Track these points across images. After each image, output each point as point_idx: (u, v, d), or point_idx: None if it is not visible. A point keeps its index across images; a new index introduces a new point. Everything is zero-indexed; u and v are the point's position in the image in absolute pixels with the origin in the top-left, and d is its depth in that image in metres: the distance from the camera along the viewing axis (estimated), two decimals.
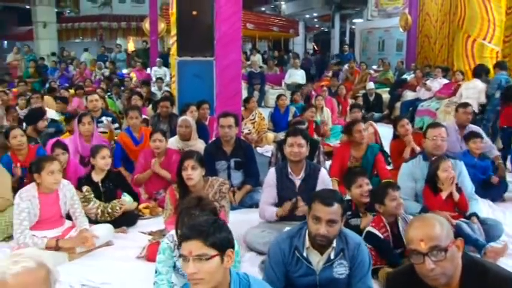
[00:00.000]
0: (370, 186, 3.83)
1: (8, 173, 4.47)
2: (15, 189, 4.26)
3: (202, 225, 2.02)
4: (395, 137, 5.57)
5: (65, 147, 4.67)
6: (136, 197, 4.69)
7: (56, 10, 21.40)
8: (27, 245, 3.61)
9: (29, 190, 3.77)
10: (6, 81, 11.02)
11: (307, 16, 27.22)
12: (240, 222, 4.13)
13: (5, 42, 25.17)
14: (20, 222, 3.66)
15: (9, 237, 4.03)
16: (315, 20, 28.71)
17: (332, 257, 2.70)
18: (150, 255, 3.64)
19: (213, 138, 6.15)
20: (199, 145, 5.38)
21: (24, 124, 6.13)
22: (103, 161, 4.45)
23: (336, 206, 2.61)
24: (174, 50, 8.47)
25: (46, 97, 8.53)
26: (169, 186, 4.65)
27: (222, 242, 2.00)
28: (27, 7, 21.67)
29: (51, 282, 1.77)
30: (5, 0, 23.92)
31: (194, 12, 7.96)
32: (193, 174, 3.63)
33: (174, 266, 2.82)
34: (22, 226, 3.66)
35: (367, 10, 19.56)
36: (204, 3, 7.96)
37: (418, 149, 5.04)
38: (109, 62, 15.76)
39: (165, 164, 4.96)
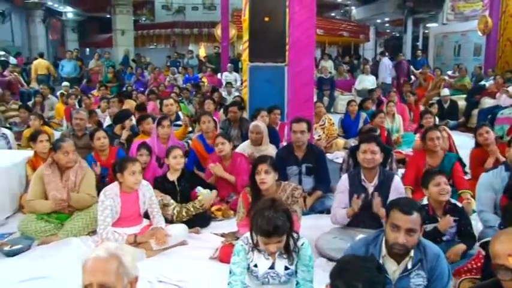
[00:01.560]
0: (449, 187, 3.71)
1: (93, 172, 4.65)
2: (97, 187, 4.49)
3: (375, 281, 2.02)
4: (477, 145, 5.30)
5: (149, 149, 4.84)
6: (215, 189, 4.81)
7: (133, 18, 22.16)
8: (109, 240, 3.75)
9: (112, 188, 3.93)
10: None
11: (378, 21, 26.71)
12: (312, 227, 4.11)
13: (87, 49, 26.34)
14: (104, 218, 3.84)
15: (93, 232, 4.20)
16: (386, 24, 28.12)
17: (409, 266, 2.62)
18: (222, 257, 3.70)
19: (284, 143, 6.16)
20: (270, 150, 5.39)
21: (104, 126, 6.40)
22: (175, 160, 4.58)
23: (415, 215, 2.53)
24: (245, 55, 8.54)
25: (129, 100, 8.86)
26: (238, 189, 4.73)
27: None
28: (108, 16, 22.64)
29: (123, 274, 1.88)
30: (89, 10, 25.11)
31: (266, 19, 8.01)
32: (267, 178, 3.64)
33: (248, 268, 2.82)
34: (105, 222, 3.83)
35: (442, 14, 18.93)
36: (276, 9, 8.00)
37: (502, 159, 4.77)
38: (181, 68, 16.08)
39: (230, 167, 5.00)
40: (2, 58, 15.43)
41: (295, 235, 2.80)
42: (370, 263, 2.12)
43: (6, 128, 7.10)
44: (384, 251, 2.67)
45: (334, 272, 2.08)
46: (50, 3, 22.60)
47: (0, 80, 11.87)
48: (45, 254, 3.91)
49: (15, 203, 4.92)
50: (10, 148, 6.40)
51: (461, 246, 3.51)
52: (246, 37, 8.53)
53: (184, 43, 23.74)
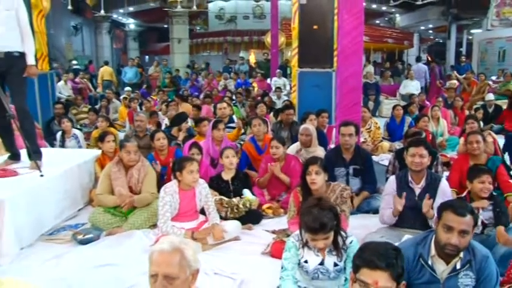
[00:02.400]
0: (491, 186, 3.69)
1: (154, 170, 4.76)
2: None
3: (390, 256, 2.04)
4: None
5: (200, 149, 4.92)
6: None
7: (189, 28, 22.54)
8: (168, 234, 3.84)
9: (172, 186, 4.01)
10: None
11: (422, 28, 26.20)
12: (359, 226, 4.07)
13: (146, 57, 26.98)
14: (163, 213, 3.91)
15: (154, 226, 4.31)
16: (430, 31, 27.56)
17: (458, 267, 2.55)
18: (274, 252, 3.71)
19: (332, 146, 6.12)
20: (319, 152, 5.36)
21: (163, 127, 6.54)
22: (227, 159, 4.64)
23: (468, 217, 2.48)
24: (294, 61, 8.54)
25: (184, 104, 9.02)
26: (290, 189, 4.73)
27: (402, 274, 2.04)
28: (166, 26, 23.15)
29: (185, 266, 1.91)
30: (148, 21, 25.75)
31: (315, 27, 8.01)
32: (317, 178, 3.63)
33: (299, 263, 2.82)
34: (165, 217, 3.91)
35: (486, 20, 18.33)
36: (324, 18, 7.99)
37: None
38: (233, 73, 16.21)
39: (284, 169, 4.97)
40: (74, 66, 16.05)
41: (343, 233, 2.79)
42: (388, 245, 2.16)
43: (77, 129, 7.37)
44: (432, 251, 2.62)
45: (356, 253, 2.16)
46: (115, 16, 23.39)
47: (74, 86, 12.36)
48: (112, 243, 4.05)
49: (85, 197, 5.11)
50: (80, 147, 6.65)
51: (499, 228, 3.45)
52: (295, 44, 8.54)
53: (236, 50, 23.96)
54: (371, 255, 2.04)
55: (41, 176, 4.35)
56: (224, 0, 23.73)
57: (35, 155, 4.54)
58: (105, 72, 15.24)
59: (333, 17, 8.00)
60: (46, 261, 3.72)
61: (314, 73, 7.98)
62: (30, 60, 4.53)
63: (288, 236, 3.61)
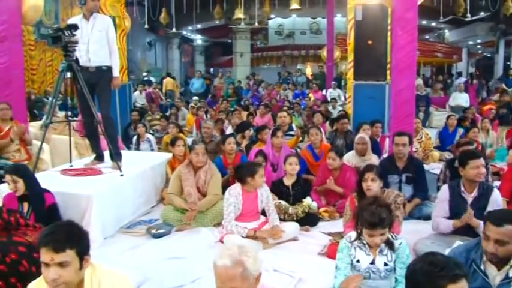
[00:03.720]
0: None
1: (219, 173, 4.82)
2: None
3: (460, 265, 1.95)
4: None
5: (265, 156, 4.96)
6: None
7: (250, 42, 22.79)
8: (232, 232, 3.91)
9: (236, 188, 4.06)
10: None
11: (471, 43, 25.23)
12: (410, 232, 3.95)
13: (211, 69, 27.49)
14: (228, 213, 3.97)
15: (218, 224, 4.37)
16: (478, 46, 26.51)
17: (510, 274, 2.44)
18: (330, 253, 3.67)
19: (384, 155, 6.02)
20: (373, 160, 5.28)
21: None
22: (290, 166, 4.61)
23: (505, 227, 2.35)
24: (350, 74, 8.46)
25: (245, 113, 9.13)
26: (345, 196, 4.67)
27: None
28: (229, 41, 23.53)
29: (248, 276, 1.88)
30: (214, 37, 26.29)
31: (369, 42, 7.90)
32: (373, 185, 3.59)
33: (351, 263, 2.79)
34: (229, 217, 3.96)
35: None
36: (379, 33, 7.87)
37: None
38: (291, 84, 16.22)
39: (340, 179, 4.90)
40: (146, 78, 16.64)
41: (393, 235, 2.75)
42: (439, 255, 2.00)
43: (150, 134, 7.60)
44: (484, 256, 2.53)
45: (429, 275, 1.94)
46: (184, 32, 24.02)
47: (147, 95, 12.82)
48: (181, 239, 4.16)
49: (158, 196, 5.24)
50: (153, 150, 6.86)
51: None
52: (350, 58, 8.47)
53: (293, 63, 23.97)
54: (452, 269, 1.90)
55: (121, 175, 4.54)
56: (283, 17, 23.76)
57: (116, 156, 4.74)
58: (168, 83, 15.88)
59: (387, 33, 7.87)
60: (124, 251, 3.87)
61: (368, 85, 7.87)
62: (115, 73, 4.82)
63: (343, 238, 3.59)
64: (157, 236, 4.19)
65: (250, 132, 6.50)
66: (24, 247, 2.68)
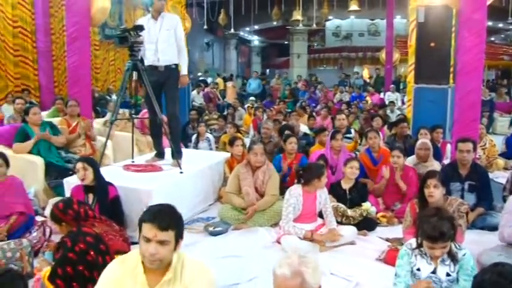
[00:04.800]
0: None
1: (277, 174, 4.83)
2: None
3: None
4: None
5: (326, 161, 4.93)
6: None
7: (307, 44, 22.71)
8: (289, 233, 3.90)
9: (296, 189, 4.04)
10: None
11: None
12: (473, 242, 3.79)
13: (267, 70, 27.61)
14: (287, 214, 3.96)
15: (275, 224, 4.37)
16: None
17: None
18: (388, 259, 3.60)
19: (445, 161, 5.82)
20: (435, 166, 5.10)
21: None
22: (351, 170, 4.55)
23: None
24: (410, 77, 8.24)
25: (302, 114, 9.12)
26: (405, 199, 4.55)
27: None
28: (286, 43, 23.57)
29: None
30: (271, 38, 26.42)
31: (432, 44, 7.65)
32: (435, 192, 3.47)
33: (411, 271, 2.71)
34: (287, 218, 3.95)
35: None
36: (442, 35, 7.63)
37: None
38: (348, 87, 16.02)
39: (402, 178, 4.82)
40: (202, 78, 16.97)
41: (457, 245, 2.66)
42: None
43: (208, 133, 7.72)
44: None
45: None
46: (241, 33, 24.28)
47: (205, 95, 13.06)
48: (238, 237, 4.20)
49: (215, 194, 5.31)
50: (211, 149, 6.96)
51: None
52: (411, 60, 8.25)
53: (350, 65, 23.71)
54: None
55: (181, 172, 4.63)
56: (341, 18, 23.52)
57: (177, 154, 4.84)
58: (220, 83, 16.12)
59: (451, 35, 7.61)
60: (182, 248, 3.93)
61: (430, 89, 7.62)
62: (184, 70, 4.90)
63: (403, 244, 3.49)
64: (214, 234, 4.26)
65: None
66: (92, 238, 2.79)
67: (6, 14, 10.12)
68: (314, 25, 17.67)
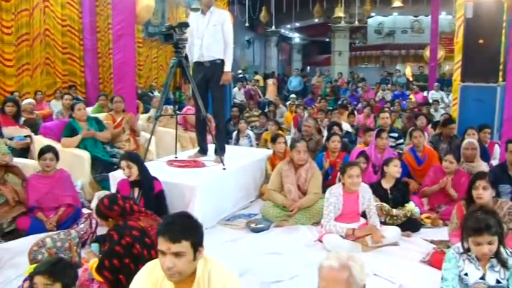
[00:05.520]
0: None
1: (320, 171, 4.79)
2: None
3: None
4: None
5: (367, 157, 4.85)
6: None
7: (349, 41, 22.43)
8: (331, 231, 3.87)
9: (337, 188, 4.00)
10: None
11: None
12: None
13: (308, 67, 27.44)
14: (328, 213, 3.93)
15: (317, 223, 4.34)
16: None
17: None
18: (433, 262, 3.50)
19: (492, 162, 5.63)
20: (483, 167, 4.93)
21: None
22: (395, 168, 4.46)
23: None
24: (456, 75, 7.97)
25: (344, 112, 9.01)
26: (452, 202, 4.41)
27: None
28: (327, 40, 23.36)
29: (352, 283, 1.82)
30: (312, 36, 26.26)
31: (481, 41, 7.38)
32: (484, 194, 3.35)
33: (459, 276, 2.62)
34: (328, 216, 3.92)
35: None
36: (492, 31, 7.33)
37: None
38: (390, 85, 15.73)
39: (453, 183, 4.64)
40: (241, 75, 17.04)
41: (508, 250, 2.54)
42: None
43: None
44: None
45: None
46: (282, 31, 24.21)
47: (245, 92, 13.13)
48: (279, 235, 4.19)
49: (257, 191, 5.33)
50: (252, 146, 6.98)
51: None
52: (458, 58, 7.97)
53: (393, 63, 23.21)
54: None
55: (224, 169, 4.66)
56: (384, 15, 23.06)
57: (220, 151, 4.86)
58: (260, 80, 16.41)
59: (501, 31, 7.32)
60: (224, 243, 3.98)
61: (477, 87, 7.35)
62: (227, 67, 4.84)
63: (449, 247, 3.39)
64: (256, 231, 4.26)
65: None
66: (137, 231, 2.84)
67: (56, 14, 10.47)
68: (356, 22, 17.40)
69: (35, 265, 3.19)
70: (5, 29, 9.28)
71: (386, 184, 4.52)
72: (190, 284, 2.05)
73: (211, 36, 4.75)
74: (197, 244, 2.02)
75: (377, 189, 4.49)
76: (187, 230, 2.01)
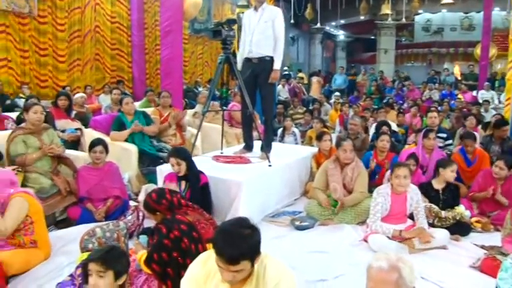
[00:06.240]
0: None
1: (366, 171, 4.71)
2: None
3: None
4: None
5: (416, 160, 4.75)
6: None
7: (395, 39, 21.97)
8: (377, 231, 3.81)
9: (385, 188, 3.93)
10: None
11: None
12: None
13: (353, 65, 27.11)
14: (374, 213, 3.87)
15: (362, 222, 4.28)
16: None
17: None
18: (484, 268, 3.38)
19: None
20: None
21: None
22: (452, 173, 4.30)
23: None
24: (510, 74, 7.65)
25: (392, 111, 8.83)
26: (504, 208, 4.24)
27: None
28: (372, 37, 22.97)
29: (402, 285, 1.80)
30: (357, 33, 25.92)
31: None
32: None
33: None
34: (375, 217, 3.86)
35: None
36: None
37: None
38: (438, 84, 15.30)
39: (504, 189, 4.44)
40: (286, 72, 16.99)
41: None
42: None
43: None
44: None
45: None
46: (327, 28, 23.99)
47: (289, 89, 13.11)
48: (324, 233, 4.16)
49: (302, 188, 5.29)
50: (297, 143, 6.94)
51: None
52: None
53: (440, 61, 22.57)
54: None
55: (269, 165, 4.65)
56: (432, 12, 22.44)
57: (267, 148, 4.86)
58: (304, 78, 16.34)
59: None
60: (269, 240, 3.95)
61: None
62: (277, 65, 4.75)
63: (502, 254, 3.27)
64: (300, 228, 4.24)
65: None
66: (185, 225, 2.87)
67: (106, 11, 10.78)
68: (403, 19, 17.02)
69: (86, 253, 3.30)
70: (59, 26, 9.63)
71: (438, 185, 4.37)
72: (246, 278, 2.05)
73: (261, 33, 4.71)
74: (255, 256, 1.99)
75: (428, 190, 4.38)
76: (245, 251, 1.93)
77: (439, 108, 9.26)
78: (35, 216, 3.37)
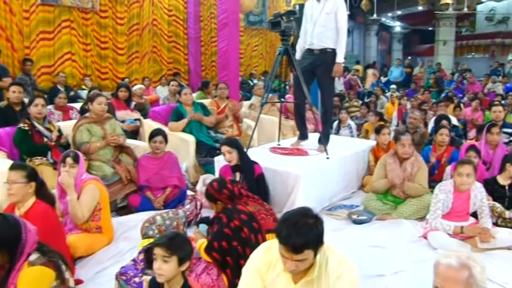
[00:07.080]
0: None
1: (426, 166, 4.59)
2: None
3: None
4: None
5: (477, 152, 4.58)
6: None
7: (455, 29, 21.12)
8: (437, 228, 3.71)
9: (447, 185, 3.82)
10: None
11: None
12: None
13: (409, 57, 26.40)
14: (435, 210, 3.77)
15: (421, 218, 4.19)
16: None
17: None
18: None
19: None
20: None
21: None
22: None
23: None
24: None
25: (450, 105, 8.56)
26: None
27: None
28: (430, 29, 22.22)
29: (472, 285, 1.74)
30: (414, 24, 25.16)
31: None
32: None
33: None
34: (436, 214, 3.76)
35: None
36: None
37: None
38: (502, 77, 14.59)
39: None
40: (343, 65, 16.79)
41: None
42: None
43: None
44: None
45: None
46: (383, 19, 23.42)
47: (345, 82, 12.96)
48: (382, 228, 4.09)
49: (359, 182, 5.24)
50: (352, 137, 6.85)
51: None
52: None
53: (504, 53, 21.44)
54: None
55: (327, 158, 4.63)
56: (496, 0, 21.34)
57: (325, 140, 4.84)
58: (360, 70, 16.22)
59: None
60: (327, 233, 3.92)
61: None
62: (339, 58, 4.72)
63: None
64: (357, 222, 4.21)
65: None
66: (245, 215, 2.92)
67: (163, 4, 11.04)
68: (465, 9, 16.31)
69: (146, 239, 3.42)
70: (119, 19, 9.97)
71: (504, 181, 4.20)
72: (308, 268, 2.05)
73: (323, 25, 4.68)
74: (318, 246, 1.99)
75: (492, 186, 4.21)
76: (309, 240, 1.92)
77: (503, 102, 8.84)
78: (103, 203, 3.54)
